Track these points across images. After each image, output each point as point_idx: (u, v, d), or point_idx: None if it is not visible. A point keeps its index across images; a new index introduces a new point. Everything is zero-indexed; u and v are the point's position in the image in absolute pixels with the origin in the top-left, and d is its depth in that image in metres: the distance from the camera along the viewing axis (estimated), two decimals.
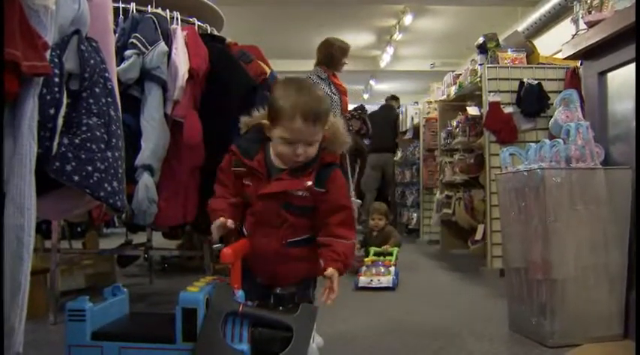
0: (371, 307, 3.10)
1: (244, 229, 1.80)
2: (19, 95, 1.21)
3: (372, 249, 4.25)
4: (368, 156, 6.07)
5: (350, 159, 4.39)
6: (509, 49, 4.31)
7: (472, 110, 4.80)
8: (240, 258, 1.62)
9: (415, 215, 7.17)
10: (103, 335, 1.57)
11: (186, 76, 2.65)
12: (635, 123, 2.30)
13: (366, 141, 5.76)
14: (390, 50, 10.62)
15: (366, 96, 14.90)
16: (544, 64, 4.27)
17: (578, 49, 2.61)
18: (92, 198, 1.49)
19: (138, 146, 2.57)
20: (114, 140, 1.50)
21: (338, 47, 4.44)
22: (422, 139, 6.83)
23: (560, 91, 3.08)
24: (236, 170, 1.75)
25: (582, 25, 2.65)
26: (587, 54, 2.62)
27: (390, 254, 4.16)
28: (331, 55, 4.43)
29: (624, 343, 2.26)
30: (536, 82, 4.03)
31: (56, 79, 1.33)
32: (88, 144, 1.42)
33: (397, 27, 9.47)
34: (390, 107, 7.80)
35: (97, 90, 1.49)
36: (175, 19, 2.94)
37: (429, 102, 6.87)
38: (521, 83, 4.07)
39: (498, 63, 4.23)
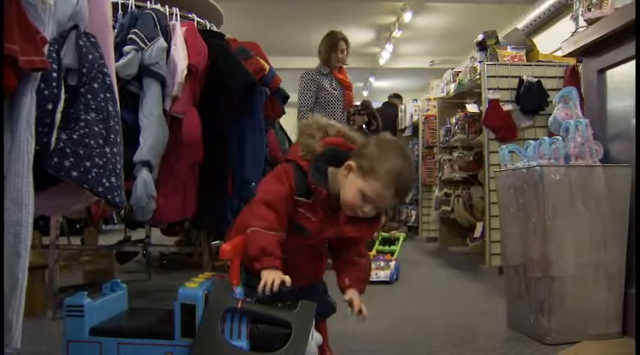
0: (369, 304, 3.08)
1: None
2: (16, 90, 1.20)
3: (380, 235, 4.25)
4: None
5: None
6: (508, 47, 4.31)
7: (471, 107, 4.80)
8: (239, 255, 1.61)
9: (414, 212, 7.17)
10: (101, 331, 1.56)
11: (186, 72, 2.65)
12: (634, 121, 2.31)
13: None
14: (389, 47, 10.61)
15: (365, 93, 14.88)
16: (543, 61, 4.27)
17: (577, 47, 2.61)
18: (91, 194, 1.49)
19: (136, 142, 2.56)
20: (112, 136, 1.50)
21: (324, 42, 4.47)
22: (421, 137, 6.83)
23: (560, 89, 3.08)
24: (299, 200, 1.64)
25: (582, 23, 2.64)
26: (587, 51, 2.61)
27: (397, 239, 4.17)
28: (320, 52, 4.46)
29: (623, 340, 2.27)
30: (535, 79, 4.03)
31: (54, 74, 1.33)
32: (87, 140, 1.41)
33: (397, 24, 9.45)
34: (392, 105, 7.80)
35: (96, 85, 1.48)
36: (174, 15, 2.93)
37: (429, 100, 6.87)
38: (521, 81, 4.07)
39: (498, 60, 4.23)
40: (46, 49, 1.29)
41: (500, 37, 4.52)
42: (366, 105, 4.81)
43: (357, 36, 10.24)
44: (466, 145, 5.09)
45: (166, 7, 2.91)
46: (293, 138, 3.26)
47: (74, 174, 1.38)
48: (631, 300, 2.28)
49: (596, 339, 2.26)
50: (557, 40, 3.09)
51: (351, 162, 1.62)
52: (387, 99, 8.11)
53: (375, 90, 14.52)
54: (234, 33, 3.32)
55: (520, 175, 2.45)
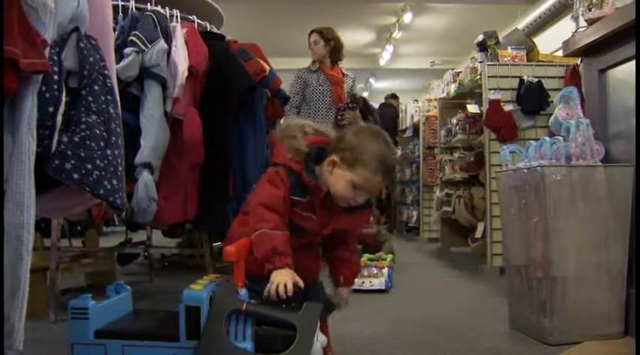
0: (370, 306, 3.09)
1: None
2: (18, 93, 1.20)
3: (366, 256, 4.18)
4: None
5: None
6: (509, 47, 4.31)
7: (472, 108, 4.79)
8: (244, 257, 1.61)
9: (415, 213, 7.17)
10: (106, 333, 1.56)
11: (186, 73, 2.65)
12: (635, 121, 2.30)
13: None
14: (389, 48, 10.63)
15: (365, 94, 14.89)
16: (544, 61, 4.27)
17: (578, 47, 2.61)
18: (92, 196, 1.49)
19: (137, 144, 2.56)
20: (113, 138, 1.50)
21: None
22: (422, 137, 6.83)
23: (560, 89, 3.07)
24: (295, 199, 1.65)
25: (582, 23, 2.64)
26: (587, 51, 2.61)
27: (384, 260, 4.11)
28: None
29: (624, 340, 2.26)
30: (536, 79, 4.02)
31: (55, 77, 1.33)
32: (88, 142, 1.41)
33: (397, 25, 9.47)
34: (390, 106, 7.80)
35: (97, 88, 1.48)
36: (175, 16, 2.94)
37: (429, 100, 6.87)
38: (521, 81, 4.06)
39: (498, 60, 4.22)
40: (47, 51, 1.29)
41: (500, 38, 4.52)
42: (354, 98, 4.68)
43: (358, 37, 10.27)
44: (467, 146, 5.09)
45: (167, 8, 2.91)
46: None
47: (75, 176, 1.38)
48: (633, 300, 2.28)
49: (598, 339, 2.26)
50: (558, 40, 3.09)
51: (334, 157, 1.64)
52: (384, 101, 8.10)
53: (376, 91, 14.53)
54: (235, 34, 3.33)
55: (521, 175, 2.45)
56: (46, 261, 2.81)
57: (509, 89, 4.12)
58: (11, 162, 1.19)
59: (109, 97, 1.52)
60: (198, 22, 3.15)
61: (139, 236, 3.99)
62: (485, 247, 4.26)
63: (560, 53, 3.38)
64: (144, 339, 1.54)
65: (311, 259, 1.80)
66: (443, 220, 5.58)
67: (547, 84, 4.03)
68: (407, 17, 8.90)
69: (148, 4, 2.89)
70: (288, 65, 8.23)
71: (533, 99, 4.00)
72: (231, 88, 2.83)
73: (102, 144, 1.46)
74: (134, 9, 2.81)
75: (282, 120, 3.70)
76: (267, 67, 3.12)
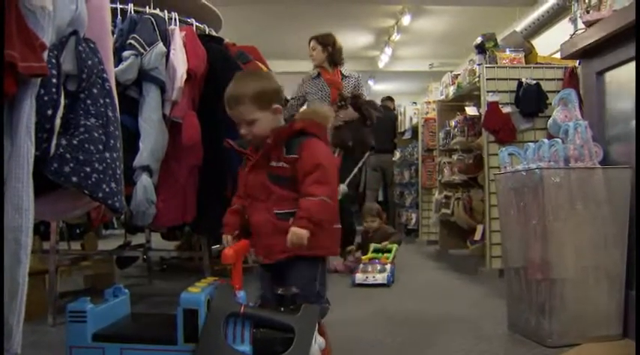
0: (369, 306, 3.09)
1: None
2: (16, 96, 1.20)
3: (372, 245, 4.31)
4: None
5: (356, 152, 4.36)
6: (507, 49, 4.31)
7: (471, 110, 4.79)
8: (241, 259, 1.61)
9: (414, 215, 7.16)
10: (104, 337, 1.57)
11: (185, 76, 2.65)
12: (633, 122, 2.31)
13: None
14: (388, 51, 10.63)
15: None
16: (542, 63, 4.27)
17: (576, 49, 2.61)
18: (90, 199, 1.49)
19: (136, 147, 2.57)
20: (112, 141, 1.50)
21: None
22: (420, 139, 6.83)
23: (559, 91, 3.07)
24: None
25: (580, 25, 2.64)
26: (586, 53, 2.61)
27: (389, 251, 4.20)
28: None
29: (623, 342, 2.26)
30: (534, 81, 4.03)
31: (54, 80, 1.33)
32: (86, 145, 1.42)
33: (395, 27, 9.48)
34: (387, 108, 7.80)
35: (95, 91, 1.48)
36: (173, 19, 2.94)
37: (428, 103, 6.87)
38: (520, 83, 4.06)
39: (497, 63, 4.22)
40: (45, 54, 1.29)
41: (498, 40, 4.52)
42: (342, 97, 4.62)
43: (356, 39, 10.28)
44: (466, 148, 5.08)
45: (165, 11, 2.92)
46: None
47: (74, 179, 1.39)
48: (632, 302, 2.28)
49: (597, 341, 2.26)
50: (556, 42, 3.09)
51: None
52: (381, 103, 8.09)
53: (375, 93, 14.51)
54: (233, 37, 3.34)
55: (520, 178, 2.45)
56: (45, 263, 2.80)
57: (507, 91, 4.12)
58: (10, 165, 1.19)
59: (107, 100, 1.53)
60: (196, 25, 3.16)
61: (138, 239, 3.99)
62: (484, 249, 4.26)
63: (558, 55, 3.37)
64: (142, 342, 1.54)
65: (284, 233, 1.85)
66: (442, 222, 5.57)
67: (545, 86, 4.03)
68: (405, 20, 8.90)
69: (147, 7, 2.89)
70: (286, 68, 8.26)
71: (531, 101, 4.00)
72: None
73: (100, 147, 1.46)
74: (133, 12, 2.81)
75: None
76: (265, 70, 3.12)
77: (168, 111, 2.65)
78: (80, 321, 1.56)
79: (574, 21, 2.74)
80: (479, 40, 4.50)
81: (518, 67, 4.17)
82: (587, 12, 2.55)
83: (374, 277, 3.74)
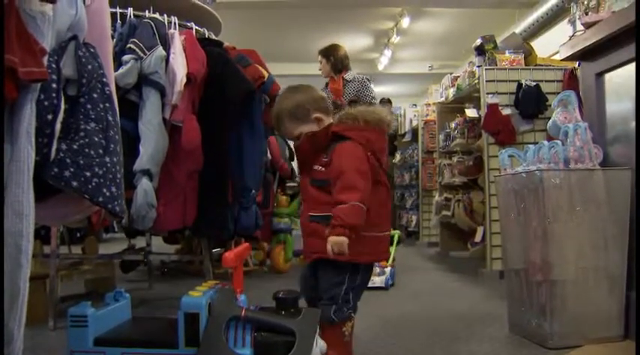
0: (369, 309, 3.09)
1: None
2: (16, 101, 1.20)
3: None
4: None
5: None
6: (506, 51, 4.32)
7: (470, 112, 4.80)
8: (242, 262, 1.62)
9: (414, 217, 7.17)
10: (105, 341, 1.57)
11: (185, 80, 2.65)
12: (633, 124, 2.31)
13: None
14: (387, 53, 10.63)
15: None
16: (542, 65, 4.28)
17: (575, 50, 2.62)
18: (91, 204, 1.49)
19: (136, 151, 2.57)
20: (112, 145, 1.50)
21: None
22: (420, 142, 6.84)
23: (558, 92, 3.08)
24: None
25: (579, 26, 2.65)
26: (585, 55, 2.62)
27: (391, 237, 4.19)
28: None
29: (624, 344, 2.26)
30: (534, 83, 4.04)
31: (54, 85, 1.33)
32: (87, 150, 1.42)
33: (395, 30, 9.47)
34: None
35: (95, 95, 1.48)
36: (173, 23, 2.94)
37: (428, 105, 6.89)
38: (519, 85, 4.08)
39: (496, 65, 4.24)
40: (45, 59, 1.29)
41: (498, 42, 4.53)
42: (335, 104, 4.70)
43: (356, 42, 10.27)
44: (466, 150, 5.09)
45: (165, 15, 2.92)
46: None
47: (74, 184, 1.39)
48: (632, 303, 2.28)
49: (597, 343, 2.26)
50: (555, 44, 3.10)
51: None
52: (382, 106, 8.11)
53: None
54: (233, 41, 3.34)
55: (520, 179, 2.46)
56: (46, 268, 2.80)
57: (507, 93, 4.13)
58: (10, 170, 1.19)
59: (107, 105, 1.53)
60: (196, 29, 3.16)
61: (141, 242, 3.99)
62: (484, 251, 4.27)
63: (557, 57, 3.38)
64: (143, 346, 1.54)
65: (313, 236, 1.96)
66: (442, 224, 5.58)
67: (545, 87, 4.04)
68: (405, 22, 8.90)
69: (147, 11, 2.90)
70: (286, 71, 8.26)
71: (531, 103, 4.01)
72: (229, 94, 2.83)
73: (101, 151, 1.46)
74: (132, 16, 2.82)
75: None
76: (265, 73, 3.12)
77: (168, 114, 2.65)
78: (81, 326, 1.56)
79: (573, 22, 2.75)
80: (478, 41, 4.51)
81: (517, 69, 4.18)
82: (586, 14, 2.56)
83: (372, 281, 3.68)
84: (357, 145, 1.88)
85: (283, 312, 1.54)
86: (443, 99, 5.74)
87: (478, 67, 4.46)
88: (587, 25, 2.53)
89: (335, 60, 4.73)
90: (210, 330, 1.48)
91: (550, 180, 2.29)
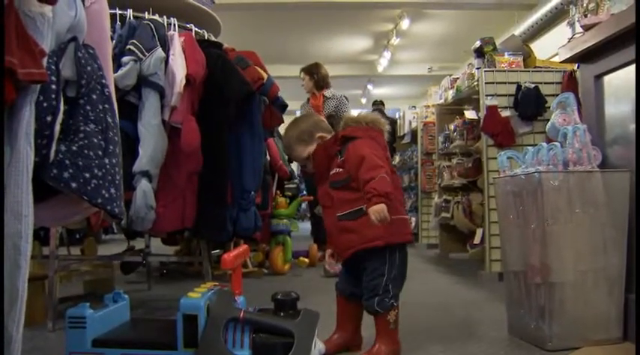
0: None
1: None
2: (16, 103, 1.21)
3: None
4: None
5: None
6: (506, 53, 4.32)
7: (470, 114, 4.80)
8: (240, 264, 1.62)
9: (414, 219, 7.16)
10: (103, 342, 1.57)
11: (184, 82, 2.66)
12: (632, 126, 2.31)
13: None
14: (387, 55, 10.65)
15: (363, 100, 14.92)
16: (541, 67, 4.28)
17: (574, 52, 2.62)
18: (90, 205, 1.49)
19: (135, 152, 2.57)
20: (111, 147, 1.50)
21: None
22: (420, 143, 6.84)
23: (557, 95, 3.09)
24: None
25: (578, 29, 2.65)
26: (584, 57, 2.62)
27: None
28: None
29: (623, 346, 2.26)
30: (533, 85, 4.04)
31: (53, 86, 1.33)
32: (86, 151, 1.42)
33: (394, 31, 9.50)
34: (382, 112, 7.82)
35: (94, 97, 1.49)
36: (172, 25, 2.95)
37: (427, 107, 6.88)
38: (519, 86, 4.08)
39: (495, 66, 4.24)
40: (44, 61, 1.29)
41: (497, 44, 4.53)
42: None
43: (355, 44, 10.30)
44: (465, 152, 5.09)
45: (164, 17, 2.92)
46: None
47: (73, 185, 1.39)
48: (631, 305, 2.28)
49: (596, 345, 2.26)
50: (554, 46, 3.11)
51: None
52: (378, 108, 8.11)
53: (373, 97, 14.53)
54: (233, 42, 3.34)
55: (519, 181, 2.46)
56: (45, 269, 2.80)
57: (506, 95, 4.13)
58: (9, 171, 1.19)
59: (106, 106, 1.53)
60: (195, 30, 3.16)
61: (141, 243, 3.99)
62: (483, 253, 4.26)
63: (556, 59, 3.39)
64: (141, 348, 1.54)
65: (346, 232, 2.15)
66: (441, 226, 5.58)
67: (544, 90, 4.04)
68: (404, 24, 8.92)
69: (146, 12, 2.90)
70: (286, 72, 8.26)
71: (530, 105, 4.02)
72: (228, 95, 2.84)
73: (100, 153, 1.46)
74: (132, 18, 2.82)
75: (280, 128, 3.75)
76: (264, 75, 3.12)
77: (167, 116, 2.65)
78: (80, 327, 1.56)
79: (572, 25, 2.75)
80: (477, 43, 4.52)
81: (516, 71, 4.19)
82: (585, 16, 2.56)
83: None
84: (368, 139, 2.12)
85: (282, 314, 1.54)
86: (442, 101, 5.74)
87: (477, 68, 4.47)
88: (586, 28, 2.53)
89: (318, 77, 5.15)
90: (209, 332, 1.48)
91: (549, 182, 2.29)
